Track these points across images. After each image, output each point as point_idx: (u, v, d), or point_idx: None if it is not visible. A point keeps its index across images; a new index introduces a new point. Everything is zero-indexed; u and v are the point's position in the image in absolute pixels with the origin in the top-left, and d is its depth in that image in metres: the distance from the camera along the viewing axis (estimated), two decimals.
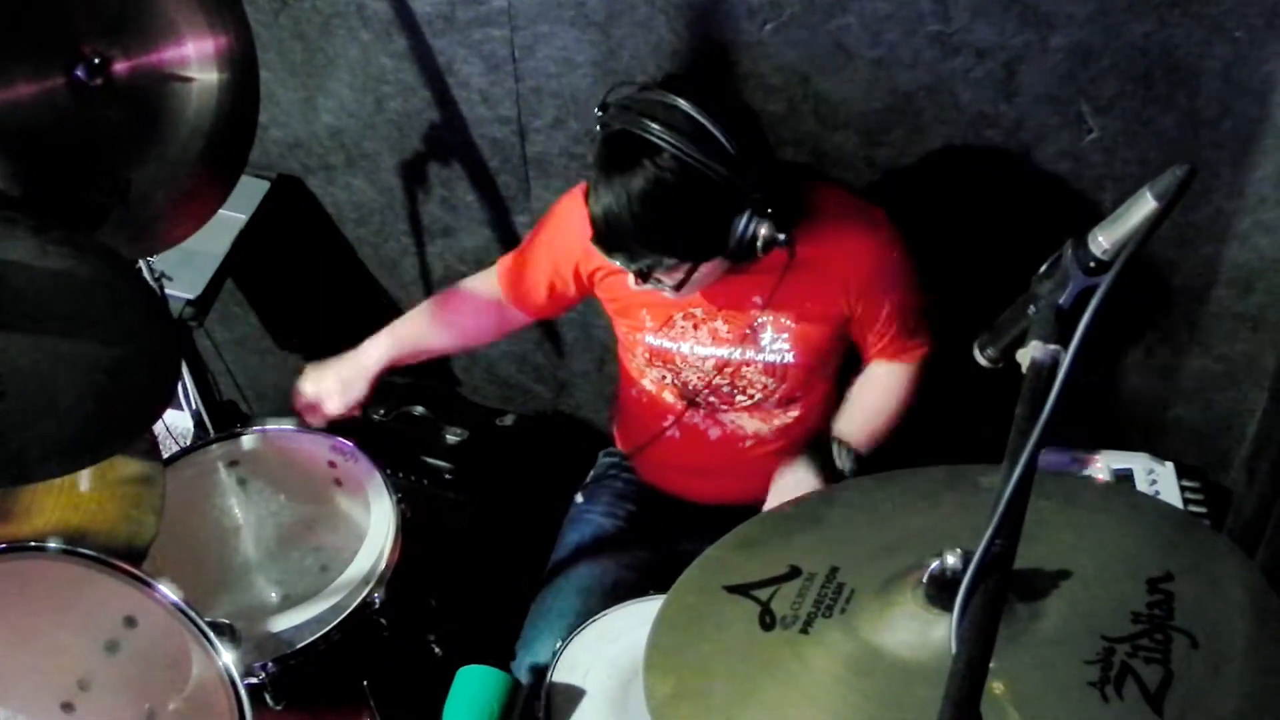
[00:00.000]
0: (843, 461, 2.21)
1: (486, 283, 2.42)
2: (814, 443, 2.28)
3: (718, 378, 2.28)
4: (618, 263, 2.02)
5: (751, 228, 1.94)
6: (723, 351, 2.25)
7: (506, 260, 2.40)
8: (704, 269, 2.00)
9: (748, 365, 2.26)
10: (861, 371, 2.34)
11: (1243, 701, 1.28)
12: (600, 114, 1.97)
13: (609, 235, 1.96)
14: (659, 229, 1.92)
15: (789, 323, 2.20)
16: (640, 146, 1.88)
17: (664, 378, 2.35)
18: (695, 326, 2.24)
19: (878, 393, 2.32)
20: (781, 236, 1.94)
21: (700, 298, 2.18)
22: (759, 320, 2.20)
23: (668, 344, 2.29)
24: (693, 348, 2.27)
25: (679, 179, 1.87)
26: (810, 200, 2.11)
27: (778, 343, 2.22)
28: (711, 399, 2.33)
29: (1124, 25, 2.03)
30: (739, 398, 2.32)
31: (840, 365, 2.36)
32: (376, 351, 2.36)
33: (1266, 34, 1.97)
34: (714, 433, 2.39)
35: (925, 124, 2.28)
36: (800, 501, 2.01)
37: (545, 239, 2.32)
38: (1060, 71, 2.12)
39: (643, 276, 2.00)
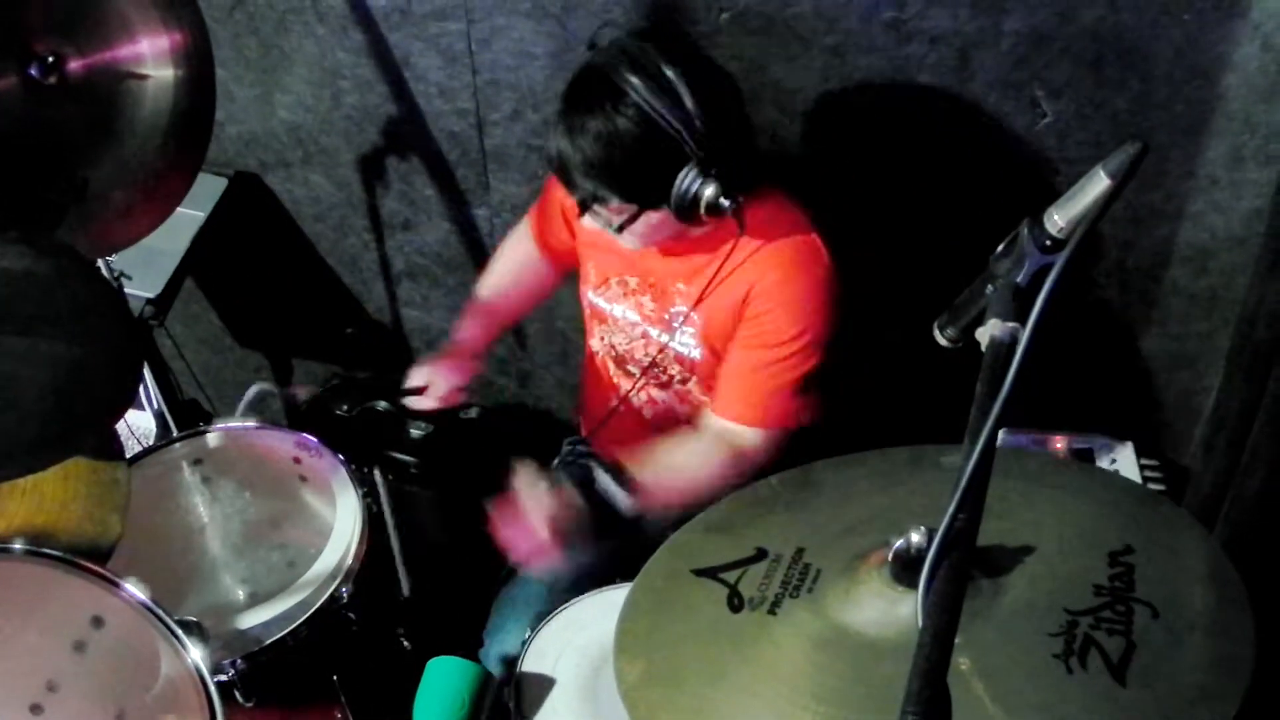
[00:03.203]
0: (607, 487, 2.14)
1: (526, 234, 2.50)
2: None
3: (642, 348, 2.31)
4: (570, 190, 2.05)
5: (696, 185, 1.94)
6: (645, 326, 2.28)
7: (533, 208, 2.48)
8: (650, 218, 2.01)
9: (663, 350, 2.28)
10: (699, 420, 2.24)
11: (1203, 670, 1.30)
12: (589, 50, 2.03)
13: (558, 163, 2.00)
14: (602, 166, 1.95)
15: (700, 320, 2.20)
16: (606, 89, 1.92)
17: (602, 339, 2.38)
18: (625, 294, 2.28)
19: (690, 455, 2.18)
20: (725, 202, 1.94)
21: (636, 268, 2.22)
22: (676, 309, 2.21)
23: (602, 303, 2.33)
24: (624, 312, 2.30)
25: (632, 125, 1.90)
26: (757, 203, 2.03)
27: (686, 336, 2.23)
28: (643, 367, 2.33)
29: (1076, 10, 2.06)
30: (661, 375, 2.33)
31: None
32: (474, 336, 2.50)
33: (1215, 16, 2.00)
34: (648, 412, 2.41)
35: (881, 110, 2.29)
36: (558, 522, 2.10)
37: (551, 182, 2.35)
38: (1014, 57, 2.14)
39: (583, 206, 2.04)
